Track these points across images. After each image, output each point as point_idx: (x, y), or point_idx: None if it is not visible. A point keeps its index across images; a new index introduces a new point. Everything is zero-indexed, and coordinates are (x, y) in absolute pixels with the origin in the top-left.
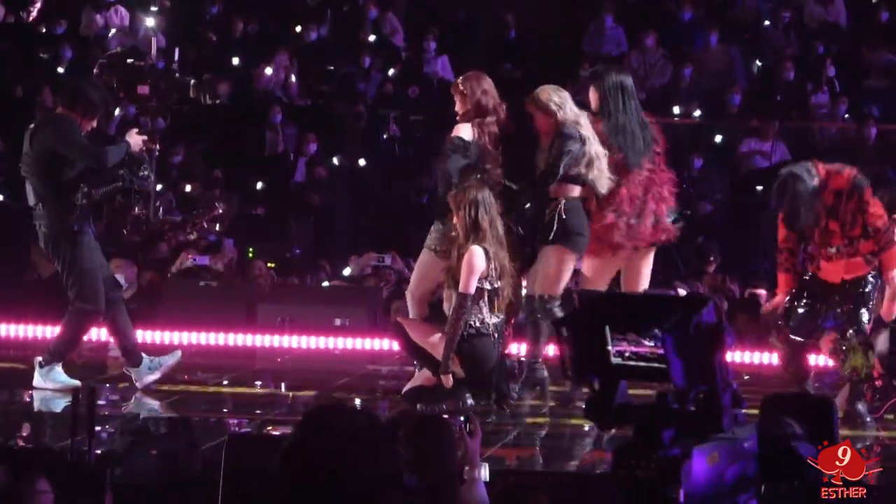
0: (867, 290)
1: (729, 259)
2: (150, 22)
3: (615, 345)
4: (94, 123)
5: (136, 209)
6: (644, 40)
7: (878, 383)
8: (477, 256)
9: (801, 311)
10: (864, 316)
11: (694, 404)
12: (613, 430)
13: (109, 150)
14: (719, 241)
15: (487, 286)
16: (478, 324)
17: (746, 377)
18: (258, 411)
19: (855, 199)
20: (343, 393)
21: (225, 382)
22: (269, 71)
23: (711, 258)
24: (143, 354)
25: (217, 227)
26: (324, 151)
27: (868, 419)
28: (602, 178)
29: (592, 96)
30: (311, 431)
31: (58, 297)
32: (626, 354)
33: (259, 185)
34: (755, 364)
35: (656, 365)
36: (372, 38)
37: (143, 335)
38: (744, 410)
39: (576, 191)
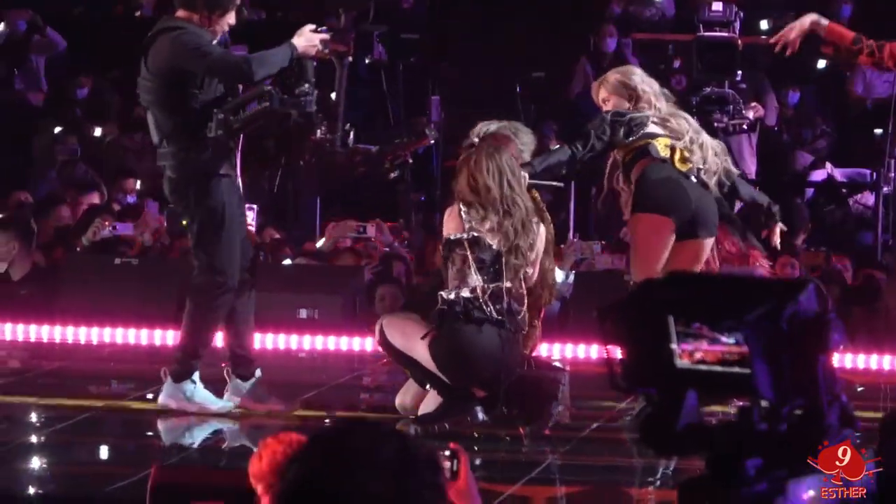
0: None
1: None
2: None
3: (681, 342)
4: (231, 20)
5: (319, 132)
6: None
7: None
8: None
9: None
10: None
11: (788, 424)
12: (676, 459)
13: (261, 58)
14: (825, 204)
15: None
16: (467, 294)
17: (860, 388)
18: (193, 437)
19: None
20: (312, 410)
21: (150, 396)
22: None
23: (800, 225)
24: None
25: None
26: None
27: None
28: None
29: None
30: (319, 464)
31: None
32: (697, 356)
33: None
34: (873, 370)
35: (737, 370)
36: None
37: (35, 332)
38: (857, 434)
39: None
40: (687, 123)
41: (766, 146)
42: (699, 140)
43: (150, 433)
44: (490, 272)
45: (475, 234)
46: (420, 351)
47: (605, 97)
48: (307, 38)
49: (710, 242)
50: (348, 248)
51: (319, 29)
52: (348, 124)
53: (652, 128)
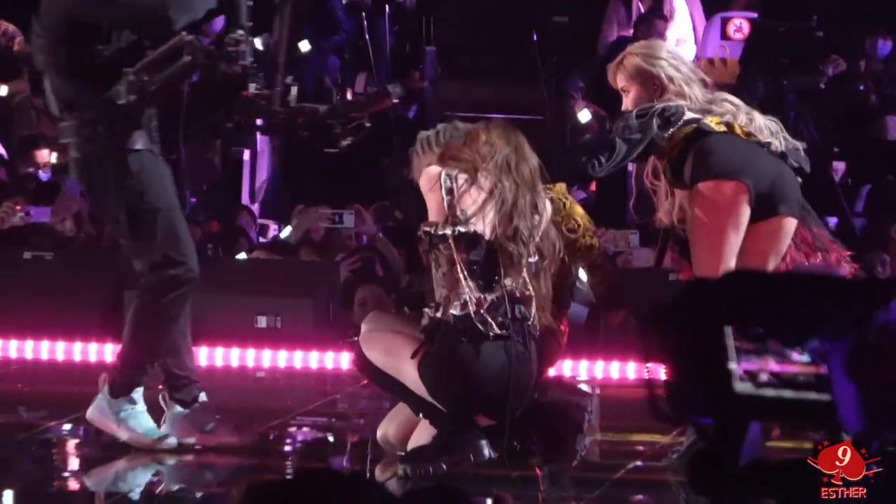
0: None
1: None
2: None
3: (742, 361)
4: None
5: (253, 87)
6: None
7: None
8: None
9: None
10: None
11: (879, 462)
12: None
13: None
14: None
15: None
16: (458, 313)
17: None
18: (120, 480)
19: None
20: (273, 445)
21: (65, 428)
22: None
23: (892, 211)
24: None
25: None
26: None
27: None
28: None
29: None
30: None
31: None
32: (762, 378)
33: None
34: None
35: (813, 396)
36: None
37: None
38: None
39: None
40: (733, 106)
41: (849, 110)
42: (754, 121)
43: (65, 473)
44: (485, 274)
45: (461, 228)
46: (409, 373)
47: (623, 86)
48: None
49: (793, 224)
50: (321, 239)
51: None
52: (290, 77)
53: (691, 115)
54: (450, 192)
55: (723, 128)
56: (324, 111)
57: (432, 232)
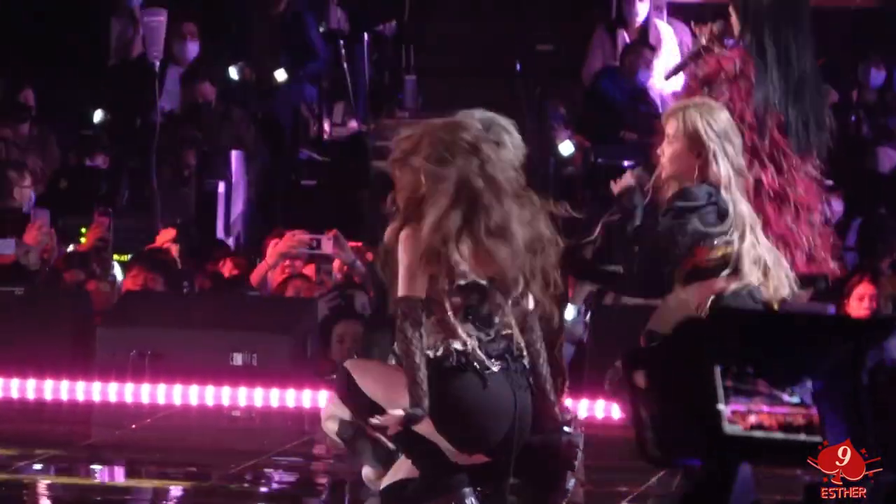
0: None
1: None
2: None
3: (731, 402)
4: None
5: None
6: None
7: None
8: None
9: None
10: None
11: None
12: None
13: None
14: None
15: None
16: (459, 347)
17: None
18: None
19: None
20: (250, 485)
21: (37, 467)
22: None
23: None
24: None
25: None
26: (212, 55)
27: None
28: None
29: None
30: None
31: None
32: (751, 419)
33: (97, 116)
34: None
35: (804, 438)
36: None
37: None
38: None
39: None
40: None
41: (841, 140)
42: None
43: None
44: (480, 316)
45: (461, 282)
46: (401, 397)
47: (671, 136)
48: None
49: None
50: (298, 270)
51: None
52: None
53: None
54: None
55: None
56: None
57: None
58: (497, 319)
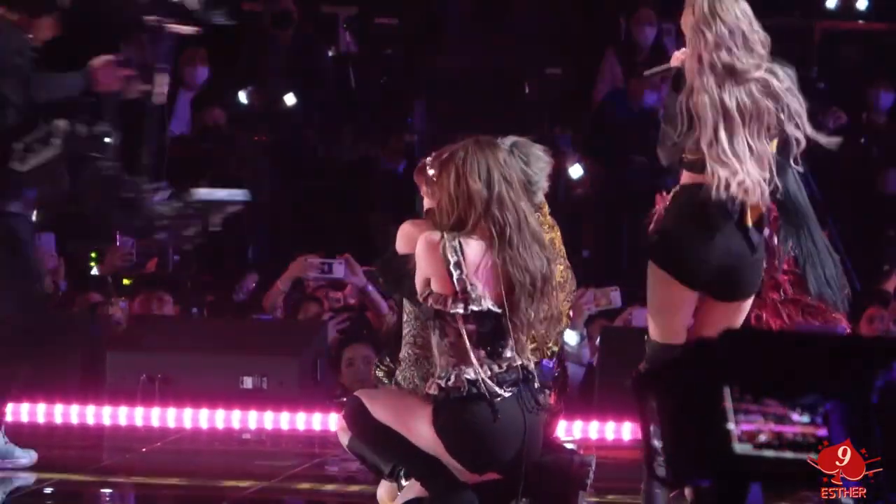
0: None
1: None
2: None
3: (741, 421)
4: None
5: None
6: None
7: None
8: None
9: None
10: None
11: None
12: None
13: (44, 77)
14: None
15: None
16: (472, 377)
17: None
18: None
19: None
20: None
21: (47, 491)
22: None
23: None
24: None
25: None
26: (221, 81)
27: None
28: None
29: None
30: None
31: None
32: (761, 438)
33: (104, 140)
34: None
35: (814, 458)
36: None
37: None
38: None
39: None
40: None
41: (849, 162)
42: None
43: None
44: (492, 343)
45: (475, 307)
46: (420, 429)
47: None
48: (104, 71)
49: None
50: (308, 293)
51: (118, 60)
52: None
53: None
54: (458, 266)
55: None
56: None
57: (439, 308)
58: (509, 351)
